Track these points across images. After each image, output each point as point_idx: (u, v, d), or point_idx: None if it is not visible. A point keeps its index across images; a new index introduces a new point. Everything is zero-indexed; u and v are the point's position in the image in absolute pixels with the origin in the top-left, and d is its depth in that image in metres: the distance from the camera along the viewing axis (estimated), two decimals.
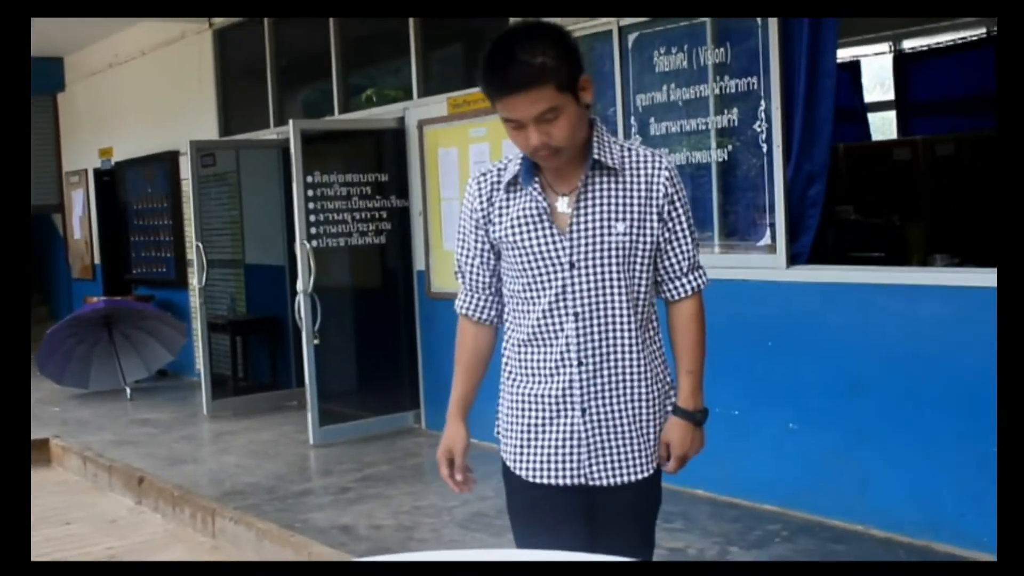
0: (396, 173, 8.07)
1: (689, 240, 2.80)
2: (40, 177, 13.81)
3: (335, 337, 8.01)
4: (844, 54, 10.38)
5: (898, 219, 8.39)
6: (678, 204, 2.75)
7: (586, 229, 2.70)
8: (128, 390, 10.10)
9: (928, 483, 4.96)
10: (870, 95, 11.37)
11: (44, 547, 6.03)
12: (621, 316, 2.72)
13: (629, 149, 2.76)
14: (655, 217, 2.73)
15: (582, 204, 2.70)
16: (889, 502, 5.12)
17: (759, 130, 5.60)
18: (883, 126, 11.35)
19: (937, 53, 10.55)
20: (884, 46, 11.03)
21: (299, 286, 7.66)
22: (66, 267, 14.11)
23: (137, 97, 11.87)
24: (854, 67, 11.01)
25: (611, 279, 2.71)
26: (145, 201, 11.80)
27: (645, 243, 2.73)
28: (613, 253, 2.70)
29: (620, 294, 2.71)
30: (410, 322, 8.04)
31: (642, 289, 2.75)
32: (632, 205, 2.71)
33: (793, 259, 5.53)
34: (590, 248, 2.70)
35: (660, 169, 2.74)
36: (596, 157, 2.69)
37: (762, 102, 5.57)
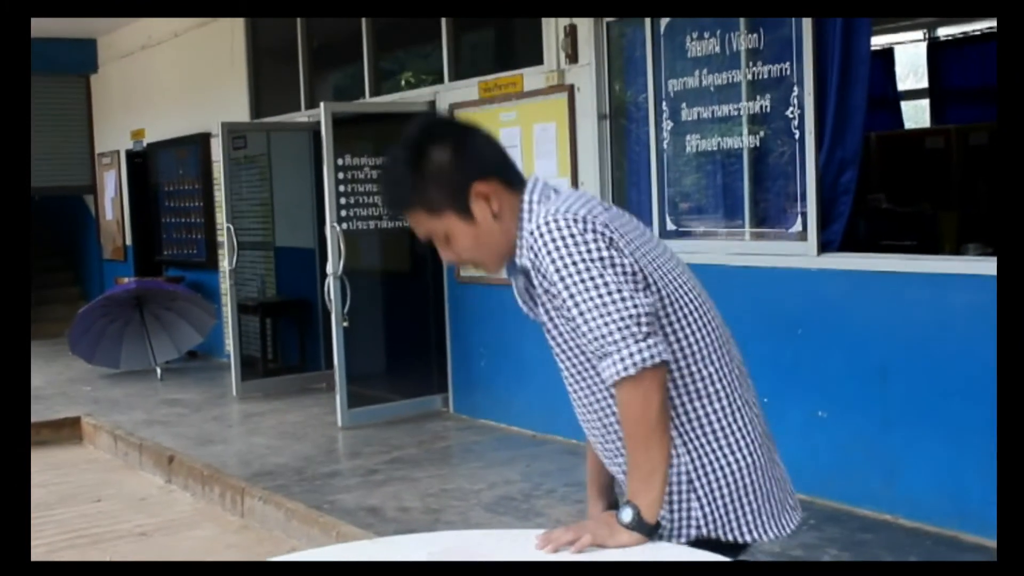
0: None
1: (585, 319, 2.21)
2: (73, 158, 13.91)
3: (364, 320, 8.04)
4: (878, 42, 10.30)
5: (930, 208, 8.34)
6: (555, 279, 2.22)
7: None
8: (158, 370, 10.17)
9: (956, 473, 4.94)
10: (903, 83, 11.28)
11: (76, 523, 6.11)
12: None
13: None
14: (545, 300, 2.32)
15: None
16: (917, 491, 5.10)
17: (791, 116, 5.57)
18: (916, 114, 11.27)
19: (972, 41, 10.45)
20: (918, 33, 10.94)
21: (329, 269, 7.68)
22: (98, 248, 14.21)
23: (169, 79, 11.93)
24: (887, 55, 10.93)
25: None
26: (176, 183, 11.86)
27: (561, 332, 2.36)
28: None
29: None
30: (439, 306, 8.05)
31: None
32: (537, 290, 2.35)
33: (824, 247, 5.50)
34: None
35: (525, 243, 2.30)
36: (514, 259, 2.38)
37: (795, 88, 5.54)
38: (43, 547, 5.58)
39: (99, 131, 14.02)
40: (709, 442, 2.33)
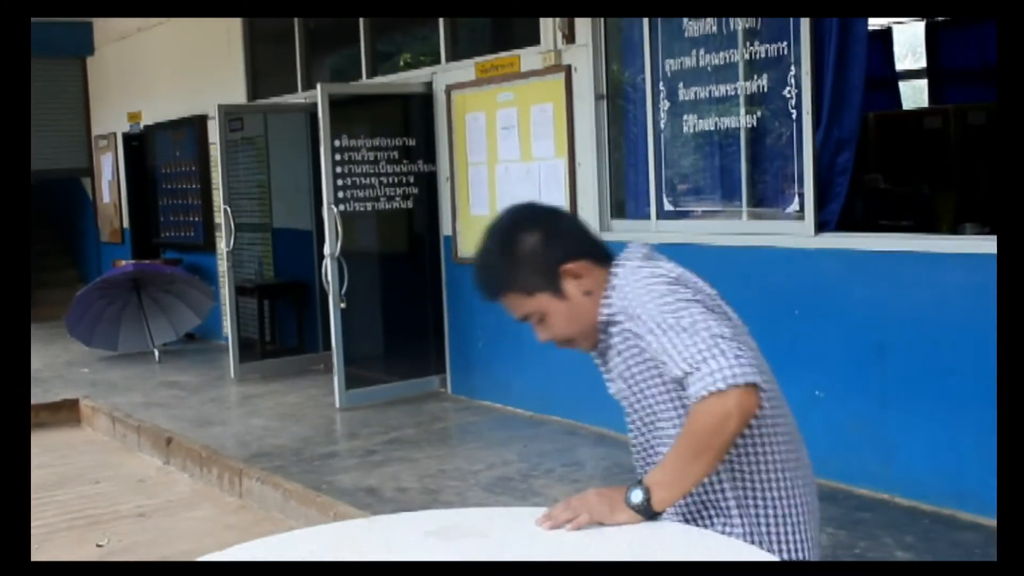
0: (424, 138, 8.06)
1: (673, 344, 2.21)
2: (69, 141, 13.89)
3: (362, 301, 8.03)
4: (876, 21, 10.28)
5: (928, 188, 8.34)
6: (639, 312, 2.29)
7: None
8: (156, 353, 10.18)
9: (954, 451, 4.95)
10: (901, 63, 11.27)
11: (74, 504, 6.12)
12: None
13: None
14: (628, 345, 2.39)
15: None
16: (915, 470, 5.11)
17: (789, 96, 5.56)
18: (914, 94, 11.26)
19: (970, 21, 10.42)
20: None
21: (326, 250, 7.68)
22: (95, 231, 14.20)
23: (166, 61, 11.89)
24: (886, 35, 10.90)
25: None
26: (173, 165, 11.84)
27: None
28: None
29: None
30: (436, 287, 8.05)
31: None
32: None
33: (821, 226, 5.50)
34: None
35: (608, 289, 2.41)
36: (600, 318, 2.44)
37: (792, 68, 5.52)
38: (43, 528, 5.59)
39: (96, 114, 13.99)
40: (763, 521, 2.38)
